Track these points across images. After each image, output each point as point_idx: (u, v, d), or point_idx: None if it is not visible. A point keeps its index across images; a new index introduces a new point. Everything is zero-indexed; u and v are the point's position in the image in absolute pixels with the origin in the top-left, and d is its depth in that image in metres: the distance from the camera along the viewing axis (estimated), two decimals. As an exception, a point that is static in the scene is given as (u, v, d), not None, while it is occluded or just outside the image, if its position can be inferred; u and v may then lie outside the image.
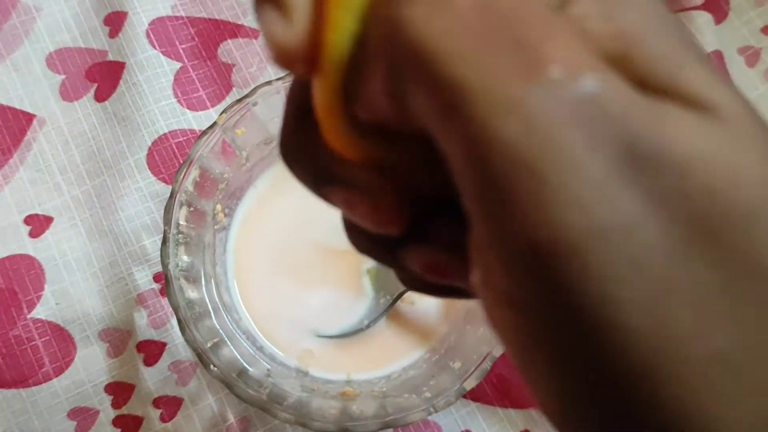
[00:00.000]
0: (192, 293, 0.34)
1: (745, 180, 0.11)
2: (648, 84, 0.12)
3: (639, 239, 0.11)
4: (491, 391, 0.40)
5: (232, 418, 0.39)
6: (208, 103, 0.43)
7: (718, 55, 0.45)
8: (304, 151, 0.16)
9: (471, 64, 0.12)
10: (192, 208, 0.35)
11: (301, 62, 0.14)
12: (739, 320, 0.11)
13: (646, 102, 0.12)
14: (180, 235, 0.34)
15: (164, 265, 0.33)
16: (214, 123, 0.35)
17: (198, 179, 0.35)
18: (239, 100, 0.35)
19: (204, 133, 0.35)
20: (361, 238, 0.18)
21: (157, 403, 0.39)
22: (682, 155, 0.11)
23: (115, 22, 0.44)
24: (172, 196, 0.34)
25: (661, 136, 0.11)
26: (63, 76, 0.43)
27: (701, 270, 0.11)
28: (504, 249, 0.12)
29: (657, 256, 0.11)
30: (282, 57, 0.14)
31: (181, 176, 0.34)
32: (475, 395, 0.40)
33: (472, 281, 0.14)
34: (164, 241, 0.34)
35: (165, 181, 0.42)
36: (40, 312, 0.40)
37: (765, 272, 0.11)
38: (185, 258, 0.34)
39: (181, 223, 0.34)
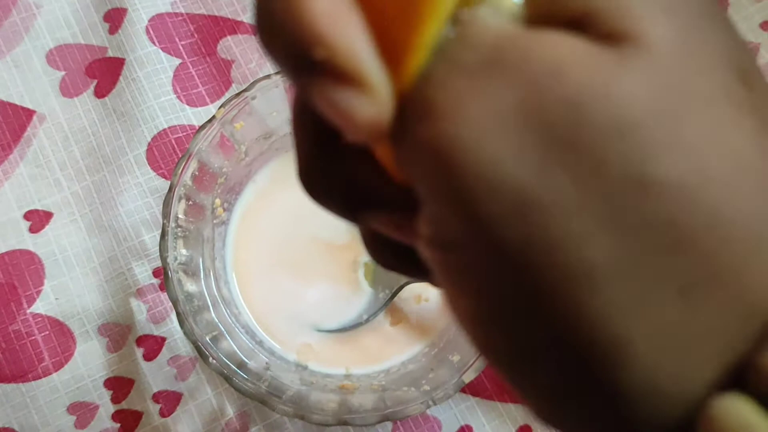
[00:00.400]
0: (191, 287, 0.34)
1: (621, 97, 0.11)
2: (565, 20, 0.12)
3: (488, 155, 0.12)
4: (491, 386, 0.40)
5: (231, 413, 0.39)
6: (208, 99, 0.43)
7: (717, 51, 0.45)
8: (333, 178, 0.16)
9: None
10: (191, 202, 0.35)
11: (388, 130, 0.13)
12: (613, 230, 0.11)
13: (525, 31, 0.12)
14: (179, 229, 0.34)
15: (163, 258, 0.33)
16: (213, 117, 0.35)
17: (197, 173, 0.35)
18: (238, 94, 0.35)
19: (202, 127, 0.35)
20: (388, 255, 0.18)
21: (156, 397, 0.39)
22: (547, 67, 0.12)
23: (114, 18, 0.44)
24: (171, 189, 0.34)
25: (525, 52, 0.12)
26: (63, 73, 0.43)
27: (564, 183, 0.11)
28: (422, 184, 0.13)
29: (508, 170, 0.11)
30: (373, 133, 0.13)
31: (180, 170, 0.34)
32: (474, 390, 0.40)
33: (422, 252, 0.14)
34: (163, 235, 0.34)
35: (164, 177, 0.42)
36: (39, 307, 0.40)
37: (634, 182, 0.11)
38: (184, 252, 0.35)
39: (180, 216, 0.34)
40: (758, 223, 0.12)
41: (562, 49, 0.12)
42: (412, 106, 0.13)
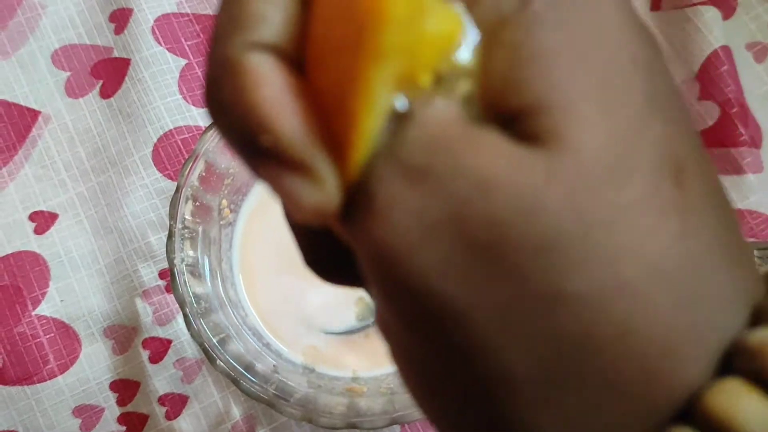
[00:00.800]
0: (198, 288, 0.34)
1: (543, 216, 0.12)
2: (504, 116, 0.12)
3: (414, 266, 0.12)
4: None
5: (237, 416, 0.39)
6: (214, 100, 0.43)
7: (726, 51, 0.44)
8: (332, 261, 0.17)
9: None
10: (198, 203, 0.35)
11: (336, 215, 0.13)
12: (530, 340, 0.12)
13: (463, 130, 0.12)
14: (186, 230, 0.34)
15: (170, 259, 0.33)
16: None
17: (204, 173, 0.35)
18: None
19: (210, 127, 0.35)
20: None
21: (162, 400, 0.39)
22: (474, 182, 0.12)
23: (120, 18, 0.43)
24: (178, 190, 0.34)
25: (456, 161, 0.12)
26: (68, 73, 0.43)
27: (486, 296, 0.12)
28: (370, 273, 0.13)
29: (432, 282, 0.12)
30: (320, 219, 0.13)
31: (187, 170, 0.34)
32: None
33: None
34: (170, 236, 0.33)
35: (170, 178, 0.41)
36: (44, 309, 0.39)
37: (552, 296, 0.12)
38: (191, 253, 0.34)
39: (186, 217, 0.34)
40: (666, 330, 0.12)
41: (493, 159, 0.12)
42: (359, 195, 0.13)
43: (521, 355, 0.12)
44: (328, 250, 0.16)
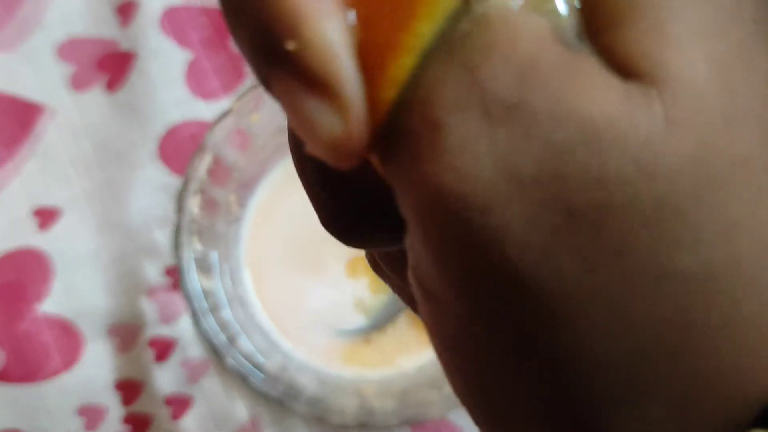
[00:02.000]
0: (206, 283, 0.33)
1: (664, 165, 0.09)
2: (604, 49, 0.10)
3: (493, 223, 0.10)
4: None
5: (243, 416, 0.38)
6: (222, 93, 0.42)
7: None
8: (362, 214, 0.14)
9: None
10: (206, 196, 0.34)
11: (360, 154, 0.11)
12: (619, 326, 0.10)
13: (560, 54, 0.10)
14: (193, 224, 0.33)
15: (178, 254, 0.32)
16: (229, 109, 0.34)
17: (212, 166, 0.34)
18: (255, 86, 0.34)
19: (219, 119, 0.34)
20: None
21: (167, 400, 0.38)
22: (582, 133, 0.09)
23: (127, 11, 0.43)
24: (186, 183, 0.33)
25: (560, 102, 0.10)
26: (74, 66, 0.42)
27: (575, 270, 0.10)
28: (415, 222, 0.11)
29: (513, 244, 0.10)
30: (340, 156, 0.11)
31: (195, 163, 0.34)
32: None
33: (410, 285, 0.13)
34: (178, 230, 0.33)
35: (177, 173, 0.41)
36: (48, 306, 0.39)
37: (656, 274, 0.10)
38: (199, 247, 0.34)
39: (194, 211, 0.33)
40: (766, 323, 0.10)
41: (601, 96, 0.10)
42: (411, 121, 0.10)
43: (610, 342, 0.10)
44: (352, 197, 0.14)
